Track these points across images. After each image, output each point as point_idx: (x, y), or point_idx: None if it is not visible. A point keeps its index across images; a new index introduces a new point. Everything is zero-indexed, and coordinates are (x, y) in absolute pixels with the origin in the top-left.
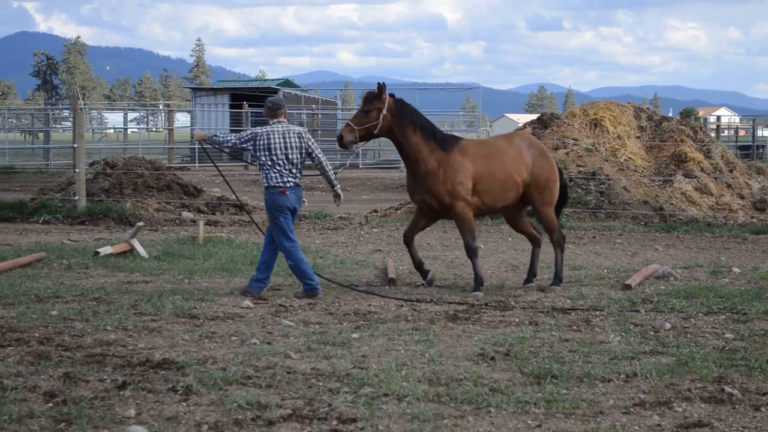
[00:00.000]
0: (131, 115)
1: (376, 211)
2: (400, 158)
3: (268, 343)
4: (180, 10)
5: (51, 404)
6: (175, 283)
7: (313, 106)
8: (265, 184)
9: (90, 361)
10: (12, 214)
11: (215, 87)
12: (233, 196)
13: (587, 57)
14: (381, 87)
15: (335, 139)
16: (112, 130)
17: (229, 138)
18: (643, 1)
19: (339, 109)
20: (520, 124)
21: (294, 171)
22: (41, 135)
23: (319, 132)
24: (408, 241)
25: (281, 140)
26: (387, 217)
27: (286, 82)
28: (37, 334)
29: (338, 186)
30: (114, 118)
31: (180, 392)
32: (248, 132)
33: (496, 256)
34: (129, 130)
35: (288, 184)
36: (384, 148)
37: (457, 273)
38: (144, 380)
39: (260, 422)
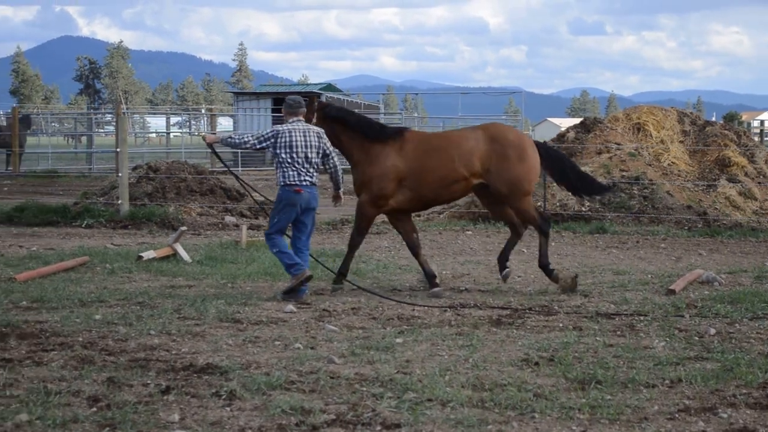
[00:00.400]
0: (174, 119)
1: (418, 215)
2: None
3: (312, 348)
4: (221, 14)
5: (95, 409)
6: (218, 288)
7: (356, 110)
8: (282, 183)
9: (134, 365)
10: (55, 218)
11: (258, 91)
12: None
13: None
14: (312, 98)
15: None
16: (154, 134)
17: (246, 139)
18: (685, 6)
19: (382, 113)
20: (563, 129)
21: (311, 170)
22: (84, 139)
23: None
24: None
25: (302, 138)
26: (430, 222)
27: (329, 87)
28: (80, 339)
29: (342, 189)
30: (156, 122)
31: (224, 397)
32: (269, 131)
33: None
34: (171, 134)
35: (304, 183)
36: None
37: (500, 278)
38: (188, 385)
39: (304, 427)
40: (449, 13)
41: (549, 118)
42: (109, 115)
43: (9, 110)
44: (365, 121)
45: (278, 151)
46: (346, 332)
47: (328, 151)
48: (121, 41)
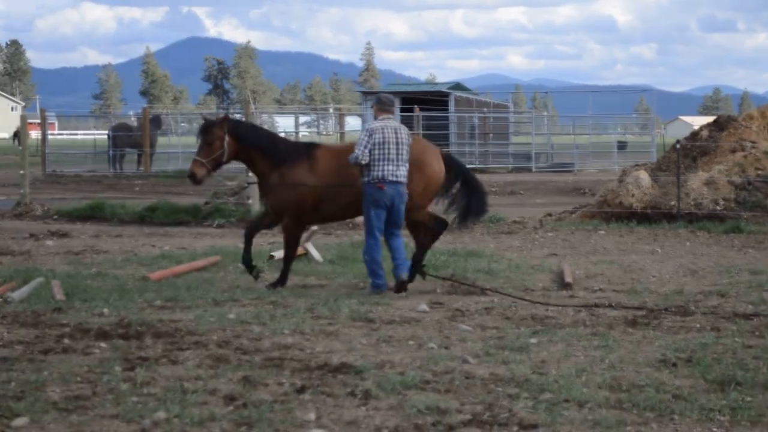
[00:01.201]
0: (302, 119)
1: (550, 215)
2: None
3: (446, 348)
4: (348, 14)
5: (231, 407)
6: (351, 287)
7: (485, 109)
8: (366, 180)
9: (268, 364)
10: (186, 218)
11: (386, 91)
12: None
13: (764, 58)
14: (224, 117)
15: (499, 142)
16: (283, 134)
17: (355, 156)
18: None
19: (510, 113)
20: (695, 127)
21: (401, 167)
22: None
23: (491, 135)
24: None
25: (393, 136)
26: (562, 221)
27: (457, 86)
28: (215, 338)
29: None
30: (285, 122)
31: (359, 396)
32: (365, 136)
33: (674, 261)
34: (300, 133)
35: (387, 180)
36: (558, 151)
37: (634, 277)
38: (322, 384)
39: (440, 427)
40: (577, 12)
41: (680, 117)
42: (238, 115)
43: (140, 111)
44: (277, 140)
45: (372, 149)
46: (480, 332)
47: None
48: (249, 41)
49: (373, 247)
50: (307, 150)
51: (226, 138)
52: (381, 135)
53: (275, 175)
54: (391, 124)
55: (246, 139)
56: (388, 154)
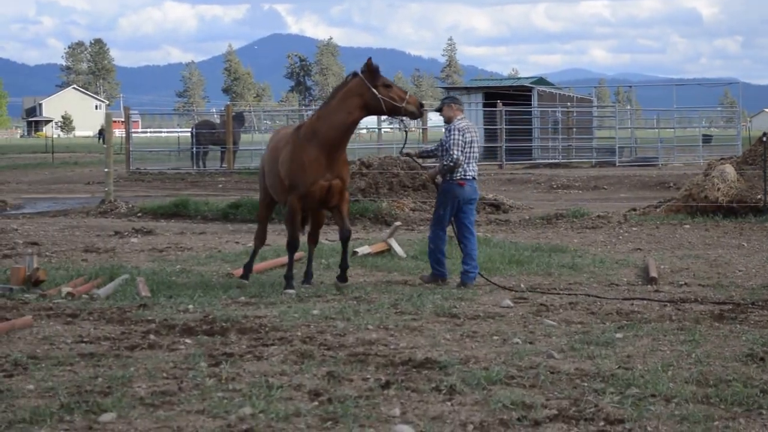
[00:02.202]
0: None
1: (634, 209)
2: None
3: (530, 343)
4: (429, 9)
5: (316, 403)
6: (434, 282)
7: (568, 104)
8: (447, 178)
9: (353, 360)
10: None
11: (468, 86)
12: (490, 195)
13: None
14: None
15: (582, 137)
16: (365, 131)
17: (455, 158)
18: None
19: (594, 107)
20: None
21: (474, 164)
22: None
23: (574, 130)
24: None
25: (475, 135)
26: (646, 215)
27: (540, 80)
28: (299, 333)
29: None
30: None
31: (444, 392)
32: (456, 135)
33: (761, 255)
34: (382, 129)
35: (468, 177)
36: (642, 145)
37: (720, 272)
38: (407, 379)
39: (526, 422)
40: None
41: (766, 109)
42: None
43: (222, 108)
44: None
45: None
46: (565, 327)
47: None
48: (331, 38)
49: (440, 240)
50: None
51: None
52: (470, 135)
53: None
54: (469, 125)
55: None
56: (471, 152)
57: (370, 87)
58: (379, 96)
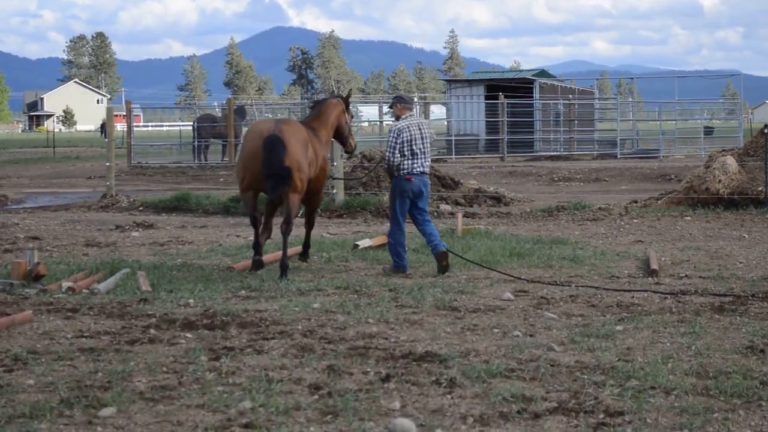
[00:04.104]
0: (386, 108)
1: (636, 202)
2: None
3: (531, 336)
4: (430, 1)
5: (316, 396)
6: (435, 276)
7: (570, 96)
8: (396, 174)
9: (353, 353)
10: None
11: (470, 78)
12: (491, 188)
13: None
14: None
15: (584, 129)
16: (366, 123)
17: (387, 159)
18: None
19: (596, 99)
20: None
21: (424, 159)
22: None
23: (576, 122)
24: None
25: (418, 132)
26: (647, 208)
27: (542, 72)
28: (300, 327)
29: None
30: (369, 111)
31: (444, 385)
32: (393, 136)
33: (762, 246)
34: (384, 122)
35: (415, 171)
36: (644, 137)
37: (721, 264)
38: (407, 373)
39: (526, 415)
40: None
41: None
42: None
43: (224, 102)
44: None
45: (402, 147)
46: (565, 320)
47: (432, 140)
48: (333, 31)
49: (398, 232)
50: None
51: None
52: (408, 133)
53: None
54: (414, 122)
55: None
56: (415, 148)
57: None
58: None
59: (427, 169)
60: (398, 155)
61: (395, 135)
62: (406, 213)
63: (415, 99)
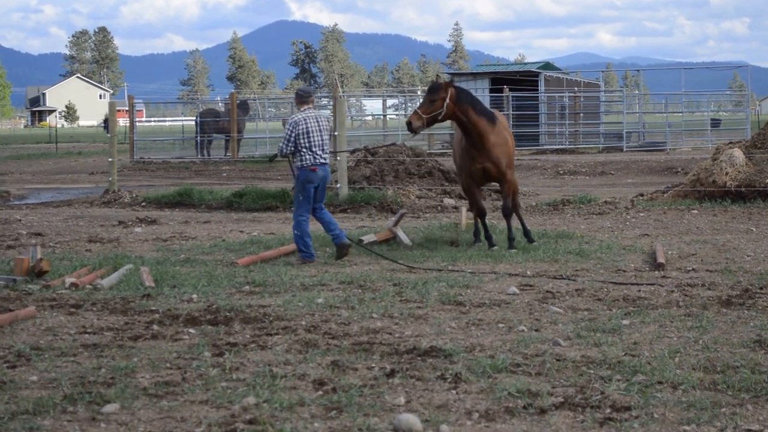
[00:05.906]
0: (390, 102)
1: (642, 195)
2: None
3: (536, 330)
4: None
5: (321, 392)
6: (439, 270)
7: (575, 88)
8: (299, 164)
9: (357, 349)
10: (274, 203)
11: (475, 72)
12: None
13: None
14: (446, 83)
15: (590, 122)
16: (370, 117)
17: (280, 148)
18: None
19: (602, 91)
20: None
21: (325, 151)
22: None
23: (581, 114)
24: (485, 213)
25: (316, 125)
26: (654, 201)
27: (547, 65)
28: (304, 322)
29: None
30: (372, 105)
31: (449, 380)
32: (289, 129)
33: None
34: (388, 116)
35: (318, 162)
36: (650, 129)
37: (729, 257)
38: (412, 368)
39: (531, 410)
40: None
41: None
42: (326, 99)
43: (227, 96)
44: (483, 105)
45: (299, 139)
46: (571, 314)
47: (331, 133)
48: (336, 24)
49: (303, 222)
50: (495, 113)
51: (447, 101)
52: (305, 125)
53: (491, 134)
54: (312, 114)
55: (464, 101)
56: (314, 141)
57: None
58: None
59: (327, 161)
60: (292, 146)
61: (291, 127)
62: (311, 203)
63: (316, 92)
